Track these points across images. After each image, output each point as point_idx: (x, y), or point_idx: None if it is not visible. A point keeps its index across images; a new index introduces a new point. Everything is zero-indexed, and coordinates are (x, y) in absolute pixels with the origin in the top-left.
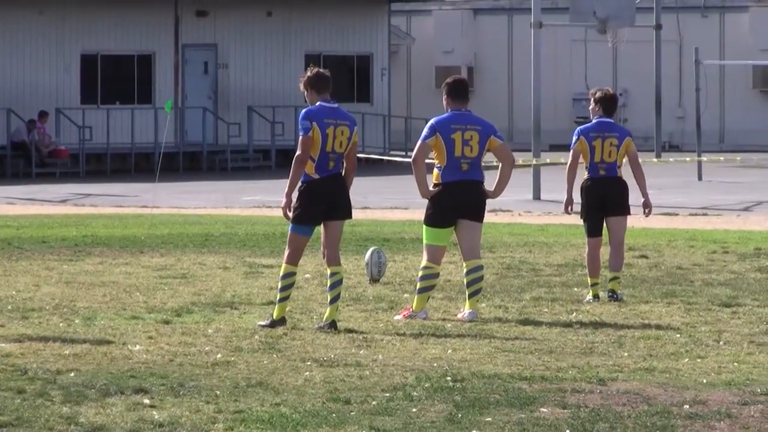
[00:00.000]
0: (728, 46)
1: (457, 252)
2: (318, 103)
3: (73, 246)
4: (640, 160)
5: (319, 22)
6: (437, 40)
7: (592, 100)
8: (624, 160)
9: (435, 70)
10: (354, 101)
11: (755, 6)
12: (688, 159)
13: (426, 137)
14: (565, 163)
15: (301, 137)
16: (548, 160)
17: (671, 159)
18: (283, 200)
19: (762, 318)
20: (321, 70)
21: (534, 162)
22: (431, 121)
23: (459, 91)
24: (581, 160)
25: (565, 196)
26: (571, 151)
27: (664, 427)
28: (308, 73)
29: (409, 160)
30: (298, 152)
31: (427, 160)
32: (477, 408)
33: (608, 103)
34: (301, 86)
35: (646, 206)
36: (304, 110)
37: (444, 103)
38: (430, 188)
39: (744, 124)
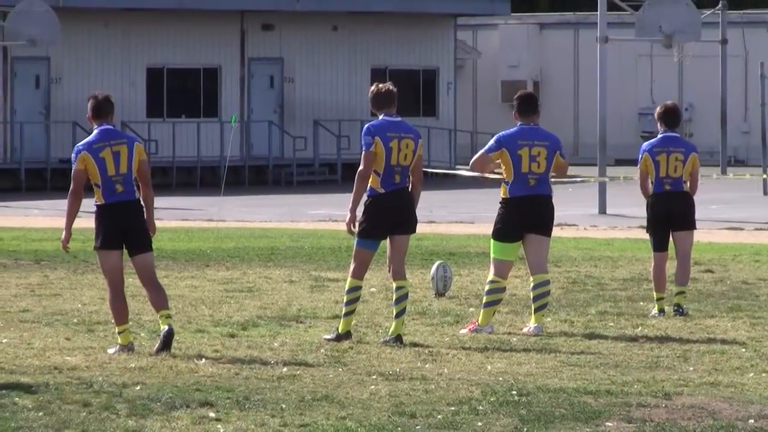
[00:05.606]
0: None
1: (524, 266)
2: (381, 117)
3: None
4: (699, 182)
5: (385, 36)
6: (503, 55)
7: (656, 116)
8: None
9: (501, 84)
10: (420, 115)
11: None
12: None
13: (490, 149)
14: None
15: (363, 152)
16: (621, 177)
17: (731, 175)
18: (348, 216)
19: None
20: (383, 86)
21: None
22: (498, 135)
23: (526, 105)
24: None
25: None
26: (639, 171)
27: None
28: (373, 89)
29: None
30: (360, 167)
31: (494, 175)
32: (542, 422)
33: (669, 116)
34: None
35: None
36: (366, 125)
37: (514, 117)
38: (498, 203)
39: None
